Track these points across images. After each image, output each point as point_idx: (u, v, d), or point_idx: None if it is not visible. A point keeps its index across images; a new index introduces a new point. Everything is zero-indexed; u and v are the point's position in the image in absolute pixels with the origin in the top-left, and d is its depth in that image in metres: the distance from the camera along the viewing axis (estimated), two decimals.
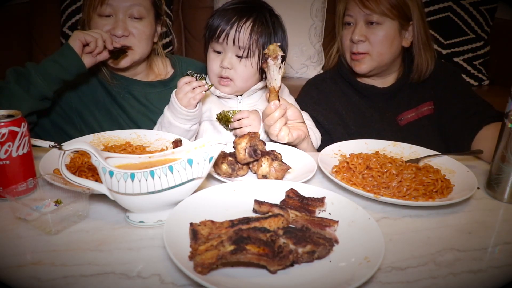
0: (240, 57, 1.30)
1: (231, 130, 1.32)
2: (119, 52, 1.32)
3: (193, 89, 1.22)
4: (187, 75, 1.26)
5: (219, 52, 1.32)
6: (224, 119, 1.30)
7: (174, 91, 1.26)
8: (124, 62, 1.35)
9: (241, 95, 1.38)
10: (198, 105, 1.25)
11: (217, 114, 1.31)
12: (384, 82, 1.49)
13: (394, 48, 1.41)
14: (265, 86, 1.34)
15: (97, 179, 0.93)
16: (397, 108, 1.47)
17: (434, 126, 1.45)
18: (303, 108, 1.46)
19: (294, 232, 0.74)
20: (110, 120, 1.40)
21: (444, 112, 1.44)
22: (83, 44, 1.23)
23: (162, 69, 1.53)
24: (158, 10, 1.42)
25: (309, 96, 1.53)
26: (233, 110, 1.30)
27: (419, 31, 1.41)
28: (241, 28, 1.27)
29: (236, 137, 1.06)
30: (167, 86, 1.48)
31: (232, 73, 1.31)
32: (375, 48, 1.38)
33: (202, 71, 1.51)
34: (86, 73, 1.28)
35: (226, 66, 1.30)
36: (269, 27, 1.32)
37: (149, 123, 1.38)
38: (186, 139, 1.16)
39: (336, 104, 1.48)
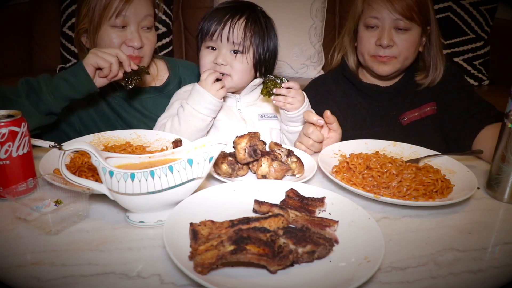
0: (235, 52, 1.29)
1: (269, 96, 1.27)
2: (132, 78, 1.25)
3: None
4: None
5: (213, 49, 1.32)
6: (271, 83, 1.25)
7: (196, 84, 1.27)
8: (131, 85, 1.30)
9: (238, 94, 1.38)
10: (222, 99, 1.27)
11: (264, 78, 1.29)
12: (387, 82, 1.49)
13: (416, 52, 1.42)
14: (262, 82, 1.34)
15: (97, 179, 0.93)
16: (401, 107, 1.47)
17: (436, 127, 1.45)
18: None
19: (294, 232, 0.74)
20: (108, 125, 1.41)
21: (446, 112, 1.44)
22: (96, 68, 1.19)
23: (157, 71, 1.53)
24: (156, 16, 1.43)
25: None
26: (281, 77, 1.27)
27: (436, 37, 1.42)
28: (234, 25, 1.27)
29: (236, 137, 1.06)
30: (162, 91, 1.48)
31: (229, 69, 1.30)
32: (402, 53, 1.38)
33: (199, 74, 1.51)
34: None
35: (221, 63, 1.29)
36: (262, 26, 1.32)
37: (145, 129, 1.38)
38: (186, 140, 1.16)
39: (334, 106, 1.47)
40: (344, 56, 1.53)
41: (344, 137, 1.30)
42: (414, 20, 1.35)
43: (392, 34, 1.36)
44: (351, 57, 1.51)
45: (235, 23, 1.27)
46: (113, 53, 1.20)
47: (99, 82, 1.23)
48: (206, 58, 1.32)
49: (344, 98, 1.50)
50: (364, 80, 1.50)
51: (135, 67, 1.24)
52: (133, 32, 1.30)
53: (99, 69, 1.20)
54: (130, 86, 1.26)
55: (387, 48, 1.37)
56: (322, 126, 1.21)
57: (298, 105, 1.26)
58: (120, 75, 1.23)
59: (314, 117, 1.18)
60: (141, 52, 1.33)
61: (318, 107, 1.45)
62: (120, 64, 1.22)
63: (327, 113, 1.20)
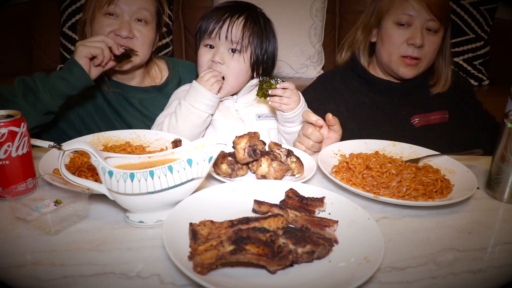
0: (233, 51, 1.29)
1: (265, 97, 1.27)
2: (123, 57, 1.30)
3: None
4: None
5: (211, 47, 1.31)
6: (266, 84, 1.25)
7: (194, 81, 1.28)
8: (125, 65, 1.35)
9: (236, 94, 1.38)
10: (218, 94, 1.27)
11: (260, 80, 1.29)
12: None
13: (436, 56, 1.42)
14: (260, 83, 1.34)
15: (97, 179, 0.93)
16: (413, 108, 1.45)
17: (447, 135, 1.44)
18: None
19: (294, 232, 0.74)
20: (108, 124, 1.41)
21: (460, 125, 1.45)
22: (90, 58, 1.21)
23: (158, 73, 1.54)
24: (160, 19, 1.42)
25: (313, 95, 1.50)
26: (276, 78, 1.27)
27: (449, 41, 1.42)
28: (233, 24, 1.27)
29: (236, 137, 1.06)
30: (161, 91, 1.48)
31: (224, 69, 1.29)
32: (428, 55, 1.37)
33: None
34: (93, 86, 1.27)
35: (217, 61, 1.28)
36: (261, 27, 1.32)
37: (144, 128, 1.38)
38: (186, 140, 1.16)
39: (342, 105, 1.45)
40: (356, 51, 1.50)
41: (353, 137, 1.29)
42: (443, 23, 1.34)
43: (424, 34, 1.35)
44: (363, 52, 1.49)
45: (234, 22, 1.27)
46: (100, 39, 1.23)
47: (94, 72, 1.25)
48: (204, 56, 1.32)
49: (353, 95, 1.48)
50: (376, 75, 1.48)
51: (122, 50, 1.27)
52: (124, 22, 1.31)
53: (92, 59, 1.22)
54: (124, 68, 1.34)
55: (417, 48, 1.35)
56: (321, 126, 1.21)
57: (294, 105, 1.25)
58: (112, 63, 1.27)
59: (313, 117, 1.18)
60: (129, 43, 1.32)
61: (325, 105, 1.42)
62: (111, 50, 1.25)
63: (329, 116, 1.20)
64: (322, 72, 2.64)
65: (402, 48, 1.37)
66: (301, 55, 2.58)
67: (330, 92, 1.49)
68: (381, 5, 1.41)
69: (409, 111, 1.45)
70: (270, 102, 1.25)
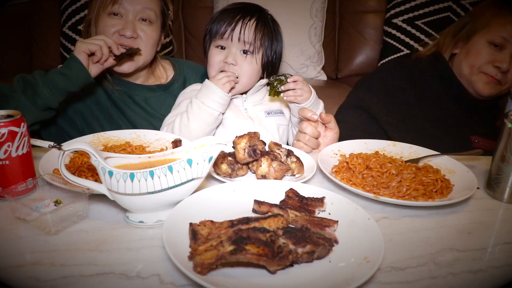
0: (245, 52, 1.30)
1: (278, 95, 1.28)
2: (123, 55, 1.30)
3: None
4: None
5: (222, 48, 1.32)
6: (277, 82, 1.27)
7: (206, 79, 1.29)
8: (127, 67, 1.34)
9: (245, 94, 1.39)
10: (229, 93, 1.29)
11: (270, 80, 1.30)
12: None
13: None
14: (267, 84, 1.35)
15: (97, 179, 0.93)
16: (476, 127, 1.46)
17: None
18: (364, 92, 1.44)
19: (294, 232, 0.74)
20: (111, 123, 1.41)
21: None
22: (88, 54, 1.22)
23: (163, 73, 1.54)
24: (165, 19, 1.42)
25: (382, 82, 1.48)
26: (284, 74, 1.29)
27: None
28: (246, 25, 1.29)
29: (235, 137, 1.06)
30: (167, 90, 1.49)
31: (238, 70, 1.31)
32: (508, 82, 1.38)
33: (204, 75, 1.51)
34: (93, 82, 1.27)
35: (230, 62, 1.30)
36: (271, 28, 1.34)
37: (149, 127, 1.38)
38: (186, 140, 1.16)
39: (412, 98, 1.43)
40: (446, 56, 1.50)
41: (417, 136, 1.27)
42: None
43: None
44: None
45: (246, 24, 1.29)
46: (100, 38, 1.24)
47: (94, 70, 1.25)
48: (216, 57, 1.33)
49: (428, 91, 1.46)
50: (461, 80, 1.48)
51: (123, 50, 1.27)
52: (128, 22, 1.31)
53: (91, 55, 1.23)
54: (125, 70, 1.33)
55: (503, 72, 1.36)
56: (316, 121, 1.22)
57: (308, 95, 1.28)
58: (111, 60, 1.27)
59: (309, 113, 1.20)
60: (134, 43, 1.32)
61: (397, 92, 1.41)
62: (111, 51, 1.25)
63: (322, 115, 1.22)
64: (322, 72, 2.64)
65: (487, 67, 1.38)
66: (301, 55, 2.58)
67: (408, 81, 1.47)
68: (477, 22, 1.42)
69: (472, 129, 1.45)
70: (285, 98, 1.27)
